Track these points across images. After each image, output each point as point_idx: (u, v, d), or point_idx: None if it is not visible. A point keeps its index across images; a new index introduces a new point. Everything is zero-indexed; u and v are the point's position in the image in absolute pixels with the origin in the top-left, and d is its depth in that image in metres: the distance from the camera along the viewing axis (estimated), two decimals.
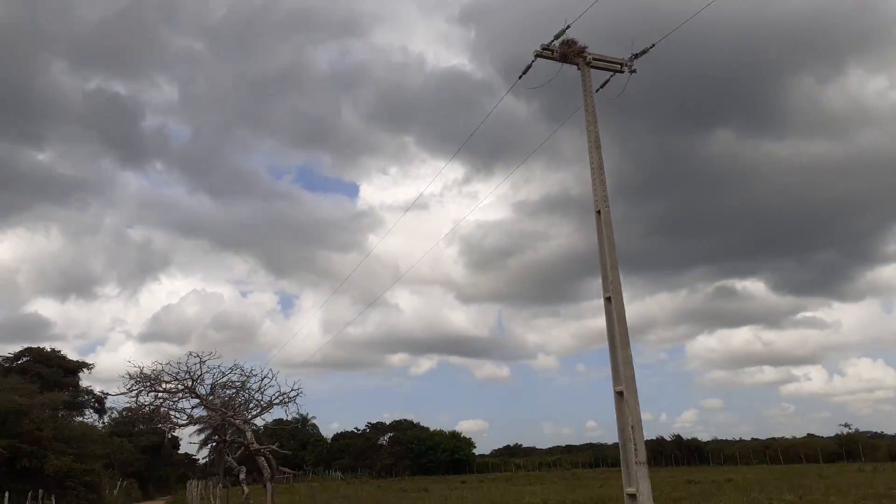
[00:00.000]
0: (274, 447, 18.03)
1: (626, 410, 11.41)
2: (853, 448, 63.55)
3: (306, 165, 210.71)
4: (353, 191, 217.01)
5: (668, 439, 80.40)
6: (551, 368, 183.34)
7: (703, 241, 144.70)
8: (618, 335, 11.50)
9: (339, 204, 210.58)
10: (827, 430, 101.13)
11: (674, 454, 76.75)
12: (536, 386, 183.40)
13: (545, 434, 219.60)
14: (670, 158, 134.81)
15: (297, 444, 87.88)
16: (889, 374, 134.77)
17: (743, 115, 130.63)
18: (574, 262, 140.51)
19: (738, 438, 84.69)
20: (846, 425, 69.06)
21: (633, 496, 11.24)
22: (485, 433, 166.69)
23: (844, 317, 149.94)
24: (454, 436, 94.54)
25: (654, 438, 77.48)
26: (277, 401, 18.20)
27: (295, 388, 18.24)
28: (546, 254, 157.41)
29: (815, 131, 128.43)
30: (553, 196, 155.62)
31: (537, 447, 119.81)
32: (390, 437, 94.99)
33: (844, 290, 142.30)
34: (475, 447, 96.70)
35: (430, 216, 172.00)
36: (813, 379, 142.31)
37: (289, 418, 22.89)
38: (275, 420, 52.60)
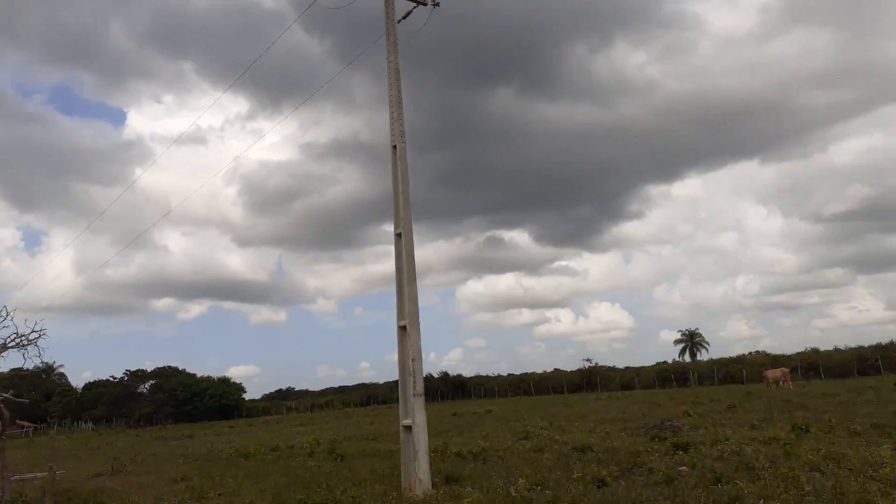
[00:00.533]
0: (7, 395, 15.61)
1: (408, 344, 11.53)
2: (592, 380, 72.54)
3: (63, 85, 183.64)
4: (119, 117, 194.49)
5: (436, 376, 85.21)
6: (329, 312, 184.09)
7: (478, 194, 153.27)
8: (405, 271, 11.48)
9: (101, 131, 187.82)
10: (571, 365, 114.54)
11: (440, 390, 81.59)
12: (313, 330, 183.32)
13: (319, 377, 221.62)
14: (455, 112, 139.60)
15: (41, 394, 78.68)
16: (623, 316, 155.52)
17: (524, 76, 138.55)
18: (360, 208, 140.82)
19: (497, 374, 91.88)
20: (587, 360, 78.52)
21: (408, 428, 11.46)
22: (256, 378, 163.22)
23: (592, 266, 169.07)
24: (224, 381, 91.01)
25: (425, 376, 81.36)
26: (13, 343, 15.66)
27: (36, 329, 15.79)
28: (332, 198, 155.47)
29: (583, 97, 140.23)
30: (342, 140, 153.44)
31: (310, 390, 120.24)
32: (152, 384, 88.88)
33: (594, 242, 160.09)
34: (245, 392, 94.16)
35: (209, 151, 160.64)
36: (562, 320, 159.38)
37: (29, 365, 19.98)
38: (11, 369, 46.77)
